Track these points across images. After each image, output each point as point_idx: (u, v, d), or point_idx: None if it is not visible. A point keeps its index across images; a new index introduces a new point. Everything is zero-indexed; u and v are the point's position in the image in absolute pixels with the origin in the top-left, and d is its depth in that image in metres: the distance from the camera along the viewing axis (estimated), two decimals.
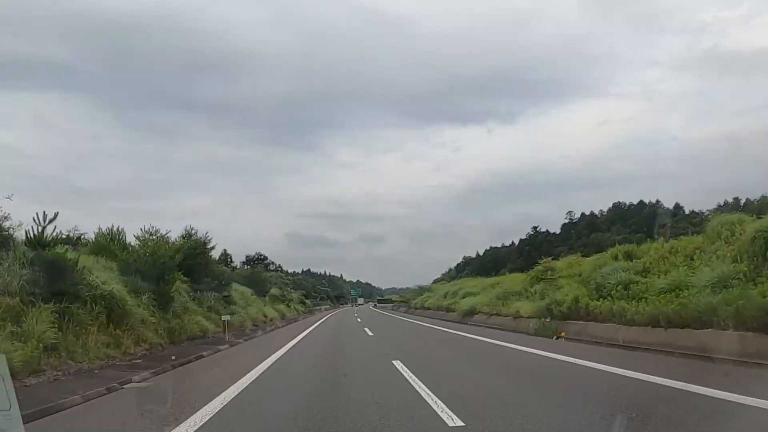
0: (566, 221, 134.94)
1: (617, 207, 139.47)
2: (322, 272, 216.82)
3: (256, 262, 76.73)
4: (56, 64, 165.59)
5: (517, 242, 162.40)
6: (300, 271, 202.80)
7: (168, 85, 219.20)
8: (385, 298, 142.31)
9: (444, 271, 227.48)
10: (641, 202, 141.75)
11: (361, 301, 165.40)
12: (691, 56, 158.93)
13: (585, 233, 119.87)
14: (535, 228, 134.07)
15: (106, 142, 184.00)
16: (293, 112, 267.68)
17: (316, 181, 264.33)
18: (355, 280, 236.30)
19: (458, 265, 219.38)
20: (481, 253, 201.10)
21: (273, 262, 77.14)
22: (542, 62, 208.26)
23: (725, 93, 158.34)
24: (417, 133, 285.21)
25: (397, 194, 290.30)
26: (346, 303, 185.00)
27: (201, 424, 6.27)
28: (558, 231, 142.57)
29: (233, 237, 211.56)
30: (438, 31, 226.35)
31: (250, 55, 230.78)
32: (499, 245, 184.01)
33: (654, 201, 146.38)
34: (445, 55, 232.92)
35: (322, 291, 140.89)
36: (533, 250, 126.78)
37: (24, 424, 3.37)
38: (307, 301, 62.43)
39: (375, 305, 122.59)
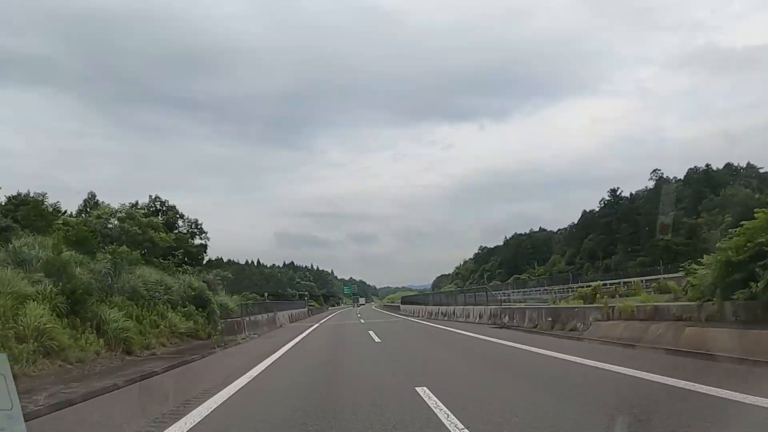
0: (652, 180, 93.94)
1: (695, 173, 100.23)
2: (309, 265, 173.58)
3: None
4: (39, 58, 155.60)
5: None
6: (281, 264, 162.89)
7: (153, 81, 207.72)
8: (420, 293, 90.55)
9: (458, 264, 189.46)
10: (728, 164, 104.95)
11: (362, 300, 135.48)
12: (686, 53, 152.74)
13: (705, 190, 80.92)
14: (613, 192, 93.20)
15: (92, 140, 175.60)
16: (282, 109, 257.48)
17: (306, 180, 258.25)
18: (348, 278, 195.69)
19: (476, 255, 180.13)
20: (501, 242, 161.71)
21: (183, 215, 36.17)
22: (535, 58, 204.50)
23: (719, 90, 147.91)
24: (408, 131, 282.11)
25: (389, 193, 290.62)
26: (340, 303, 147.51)
27: None
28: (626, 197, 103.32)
29: (221, 237, 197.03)
30: (429, 25, 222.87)
31: (237, 49, 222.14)
32: (525, 231, 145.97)
33: (744, 165, 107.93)
34: (437, 49, 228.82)
35: (303, 286, 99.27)
36: (617, 222, 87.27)
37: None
38: (229, 307, 20.07)
39: (399, 305, 79.20)
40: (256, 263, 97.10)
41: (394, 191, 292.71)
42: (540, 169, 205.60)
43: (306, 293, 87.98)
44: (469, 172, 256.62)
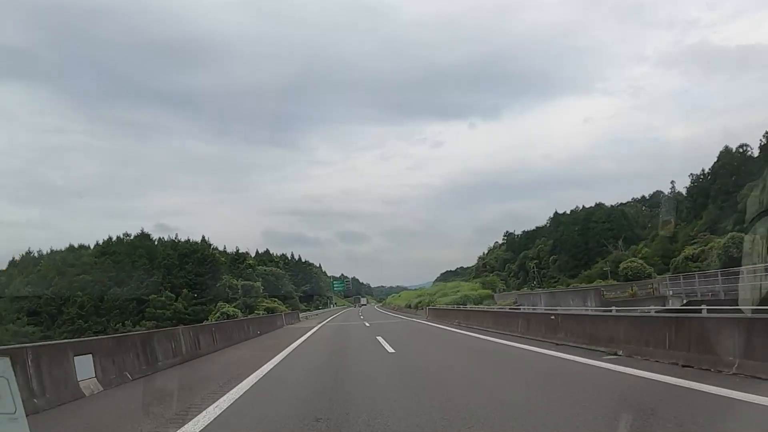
0: None
1: None
2: (289, 255, 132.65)
3: None
4: (15, 50, 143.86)
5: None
6: (254, 253, 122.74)
7: (135, 74, 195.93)
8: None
9: (482, 253, 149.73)
10: None
11: (363, 300, 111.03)
12: (678, 51, 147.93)
13: None
14: None
15: (73, 136, 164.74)
16: (269, 105, 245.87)
17: (294, 178, 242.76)
18: (338, 274, 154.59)
19: (507, 240, 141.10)
20: (543, 223, 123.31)
21: None
22: (526, 54, 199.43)
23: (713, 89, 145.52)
24: (397, 129, 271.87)
25: (378, 193, 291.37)
26: (329, 304, 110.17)
27: None
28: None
29: (207, 235, 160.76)
30: (419, 18, 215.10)
31: (220, 42, 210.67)
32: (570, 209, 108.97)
33: None
34: (427, 43, 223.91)
35: (261, 275, 58.25)
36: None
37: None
38: None
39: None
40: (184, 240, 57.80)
41: (383, 190, 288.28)
42: (531, 169, 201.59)
43: (256, 283, 47.47)
44: (459, 171, 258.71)
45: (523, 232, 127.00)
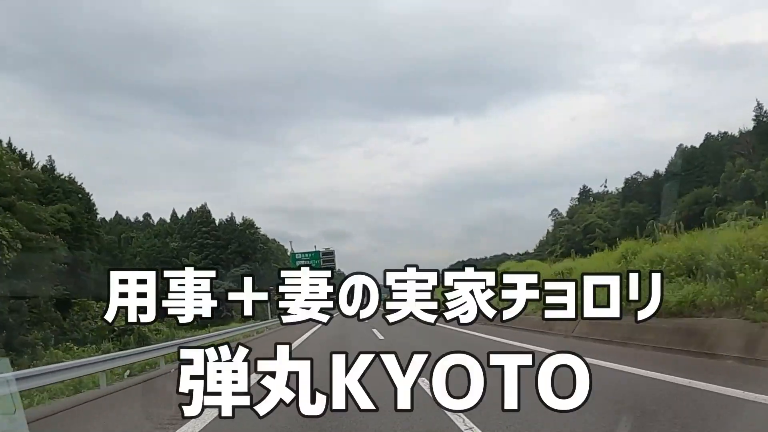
0: None
1: None
2: (225, 218, 77.71)
3: None
4: None
5: None
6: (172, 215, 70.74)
7: (108, 66, 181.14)
8: None
9: (554, 216, 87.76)
10: None
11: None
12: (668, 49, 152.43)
13: None
14: None
15: (46, 131, 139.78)
16: (250, 99, 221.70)
17: (274, 175, 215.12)
18: (312, 246, 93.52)
19: (623, 189, 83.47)
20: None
21: None
22: (516, 48, 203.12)
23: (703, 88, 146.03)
24: (380, 125, 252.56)
25: (361, 192, 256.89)
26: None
27: None
28: None
29: None
30: (402, 10, 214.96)
31: (199, 33, 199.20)
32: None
33: None
34: (411, 35, 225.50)
35: None
36: None
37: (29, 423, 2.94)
38: None
39: None
40: None
41: (366, 189, 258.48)
42: (519, 167, 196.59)
43: None
44: (444, 169, 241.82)
45: (589, 190, 72.77)
